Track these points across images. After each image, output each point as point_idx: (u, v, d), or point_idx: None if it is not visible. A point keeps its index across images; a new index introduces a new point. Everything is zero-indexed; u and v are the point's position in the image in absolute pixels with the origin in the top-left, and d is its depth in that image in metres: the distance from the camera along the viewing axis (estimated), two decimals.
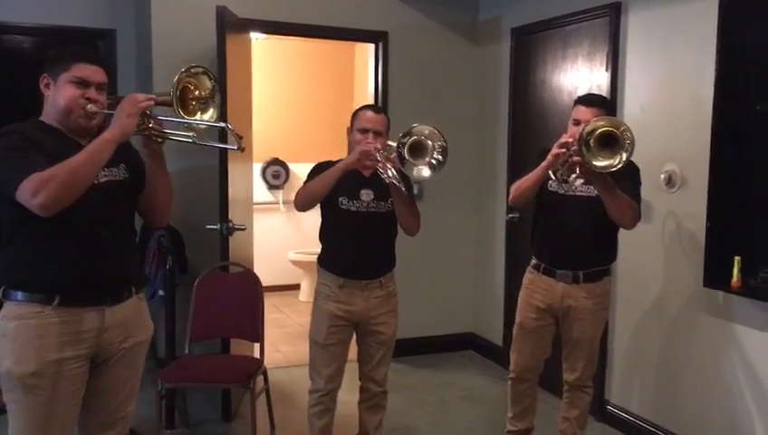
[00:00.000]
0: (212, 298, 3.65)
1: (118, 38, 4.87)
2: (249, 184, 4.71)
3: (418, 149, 2.85)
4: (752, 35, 3.09)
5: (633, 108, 3.76)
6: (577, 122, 3.09)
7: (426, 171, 2.86)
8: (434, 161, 2.85)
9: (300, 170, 7.04)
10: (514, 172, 3.80)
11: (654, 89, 3.64)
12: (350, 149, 3.17)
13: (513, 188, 3.23)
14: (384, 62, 4.87)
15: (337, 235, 3.12)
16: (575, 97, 3.32)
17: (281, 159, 7.20)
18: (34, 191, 2.05)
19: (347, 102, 6.77)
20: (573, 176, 2.99)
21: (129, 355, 2.40)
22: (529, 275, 3.37)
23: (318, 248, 3.20)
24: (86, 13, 4.71)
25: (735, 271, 3.09)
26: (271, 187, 7.22)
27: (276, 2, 4.55)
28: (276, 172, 7.23)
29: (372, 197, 3.06)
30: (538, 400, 3.50)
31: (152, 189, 2.43)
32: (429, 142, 2.84)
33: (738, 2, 3.09)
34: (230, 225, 3.81)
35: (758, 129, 3.08)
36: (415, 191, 3.51)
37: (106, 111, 2.31)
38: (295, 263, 6.75)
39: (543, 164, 3.05)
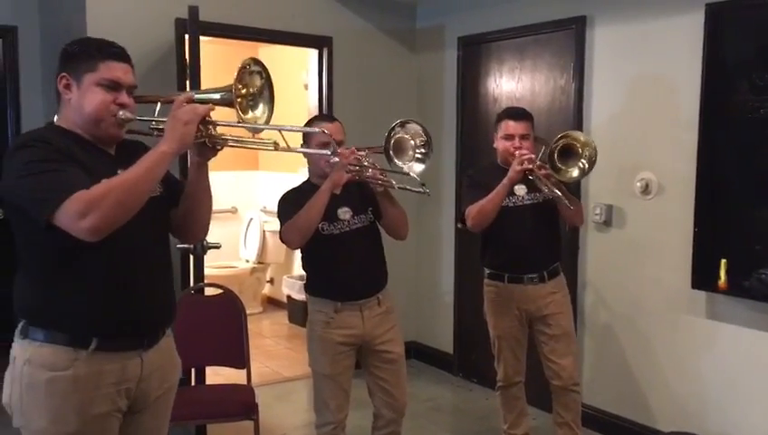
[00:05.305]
0: (189, 324, 3.33)
1: (19, 35, 4.57)
2: None
3: (400, 147, 2.84)
4: (732, 48, 3.29)
5: (601, 118, 3.89)
6: (510, 137, 3.29)
7: (417, 166, 2.84)
8: (419, 155, 2.86)
9: None
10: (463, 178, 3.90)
11: (625, 100, 3.78)
12: (311, 164, 3.00)
13: (474, 211, 3.26)
14: (329, 67, 4.72)
15: (325, 261, 2.93)
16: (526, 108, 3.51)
17: None
18: (82, 213, 1.70)
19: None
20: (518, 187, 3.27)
21: (163, 401, 2.09)
22: (492, 288, 3.45)
23: None
24: None
25: (722, 273, 3.29)
26: None
27: (218, 4, 4.25)
28: None
29: (351, 214, 2.92)
30: None
31: (196, 203, 2.10)
32: (411, 140, 2.86)
33: (721, 15, 3.27)
34: (204, 243, 3.51)
35: (740, 137, 3.28)
36: None
37: (141, 119, 2.00)
38: None
39: (505, 182, 3.19)
